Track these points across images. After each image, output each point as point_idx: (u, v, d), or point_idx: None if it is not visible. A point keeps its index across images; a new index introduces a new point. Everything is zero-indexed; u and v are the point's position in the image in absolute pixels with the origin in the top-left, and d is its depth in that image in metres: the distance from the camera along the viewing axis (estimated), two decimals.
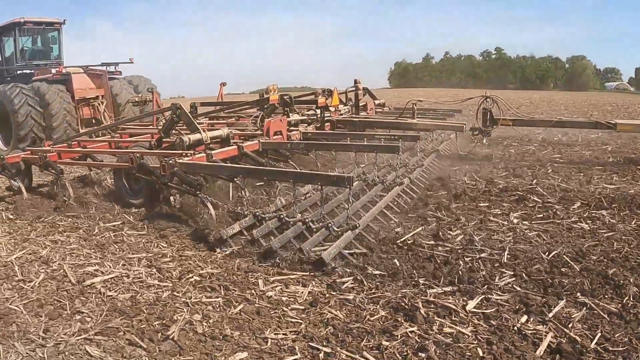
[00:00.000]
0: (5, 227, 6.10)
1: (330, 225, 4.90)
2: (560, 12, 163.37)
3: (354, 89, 11.32)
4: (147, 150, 6.46)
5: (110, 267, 4.62)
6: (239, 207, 5.51)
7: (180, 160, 5.70)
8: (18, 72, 13.54)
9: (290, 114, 8.73)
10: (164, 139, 6.91)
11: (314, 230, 4.95)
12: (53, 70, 12.73)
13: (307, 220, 5.00)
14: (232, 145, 6.85)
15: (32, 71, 13.23)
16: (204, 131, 6.65)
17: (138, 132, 9.14)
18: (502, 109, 8.95)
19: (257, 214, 5.27)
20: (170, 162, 5.63)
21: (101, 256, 4.93)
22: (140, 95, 12.07)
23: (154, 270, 4.52)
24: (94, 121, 12.99)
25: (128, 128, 9.81)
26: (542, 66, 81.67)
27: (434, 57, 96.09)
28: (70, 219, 6.21)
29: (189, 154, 5.97)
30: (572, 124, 9.84)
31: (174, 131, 7.13)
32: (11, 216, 6.56)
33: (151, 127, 9.92)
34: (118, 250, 5.11)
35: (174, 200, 6.05)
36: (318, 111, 9.25)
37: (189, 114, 6.79)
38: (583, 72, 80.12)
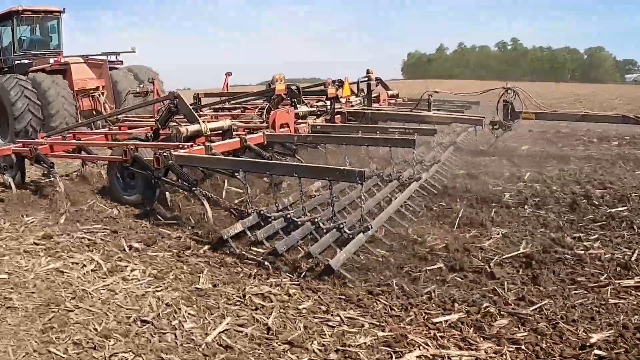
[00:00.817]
0: (140, 265, 4.17)
1: (342, 226, 4.46)
2: (576, 2, 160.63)
3: (366, 79, 10.83)
4: (142, 143, 6.04)
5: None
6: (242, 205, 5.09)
7: (176, 153, 5.27)
8: (16, 62, 13.17)
9: (298, 106, 8.27)
10: (161, 130, 6.48)
11: (324, 231, 4.51)
12: (51, 60, 12.37)
13: (316, 220, 4.55)
14: (234, 137, 6.43)
15: (31, 61, 12.88)
16: (203, 122, 6.22)
17: (137, 124, 8.73)
18: (523, 101, 8.41)
19: (262, 212, 4.83)
20: (165, 154, 5.20)
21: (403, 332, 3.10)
22: (141, 85, 11.69)
23: (503, 345, 2.95)
24: (94, 113, 12.63)
25: (127, 120, 9.42)
26: (559, 58, 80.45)
27: (448, 48, 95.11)
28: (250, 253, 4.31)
29: (186, 147, 5.54)
30: (598, 118, 9.25)
31: (173, 122, 6.71)
32: (137, 244, 4.66)
33: (152, 119, 9.51)
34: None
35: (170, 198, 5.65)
36: (328, 103, 8.78)
37: (188, 104, 6.35)
38: (602, 64, 78.79)
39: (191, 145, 5.59)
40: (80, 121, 12.08)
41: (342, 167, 4.33)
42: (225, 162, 5.12)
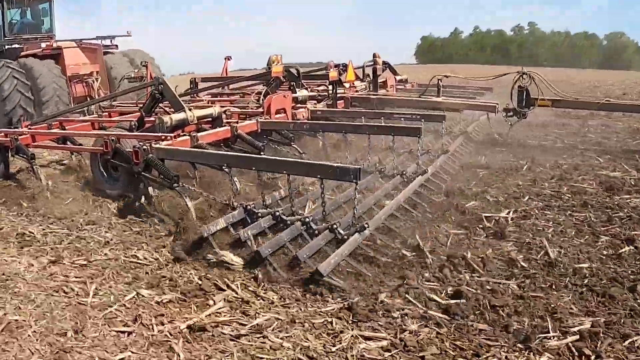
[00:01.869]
0: None
1: (335, 226, 4.09)
2: None
3: (372, 63, 10.39)
4: (124, 133, 5.69)
5: None
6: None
7: (157, 146, 4.91)
8: (6, 47, 12.79)
9: (297, 90, 7.87)
10: (146, 119, 6.13)
11: (316, 232, 4.14)
12: (43, 45, 12.01)
13: (307, 219, 4.18)
14: (224, 125, 6.06)
15: (22, 46, 12.51)
16: (190, 110, 5.85)
17: (129, 111, 8.38)
18: (539, 87, 7.90)
19: (249, 207, 4.47)
20: (144, 147, 4.84)
21: None
22: (136, 70, 11.31)
23: None
24: (88, 99, 12.31)
25: (120, 105, 9.11)
26: (577, 43, 78.59)
27: (463, 32, 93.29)
28: None
29: (169, 138, 5.17)
30: (620, 107, 8.67)
31: (165, 109, 6.35)
32: None
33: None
34: None
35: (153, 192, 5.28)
36: (330, 87, 8.35)
37: (173, 90, 5.98)
38: (624, 50, 76.85)
39: (175, 137, 5.22)
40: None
41: (335, 164, 3.96)
42: (208, 155, 4.76)
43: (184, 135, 5.42)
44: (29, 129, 7.22)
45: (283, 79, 7.79)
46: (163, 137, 5.21)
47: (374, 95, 8.84)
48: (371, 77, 9.90)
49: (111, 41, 13.09)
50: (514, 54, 75.34)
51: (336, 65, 9.72)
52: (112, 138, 5.52)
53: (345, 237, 4.02)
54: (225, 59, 11.92)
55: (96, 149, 5.85)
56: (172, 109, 6.24)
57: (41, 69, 11.32)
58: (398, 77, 11.69)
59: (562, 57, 72.38)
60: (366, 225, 4.02)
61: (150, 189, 5.28)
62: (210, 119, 6.19)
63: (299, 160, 4.39)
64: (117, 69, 12.46)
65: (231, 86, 10.56)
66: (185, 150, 4.89)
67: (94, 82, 12.25)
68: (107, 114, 8.46)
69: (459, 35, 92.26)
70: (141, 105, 7.24)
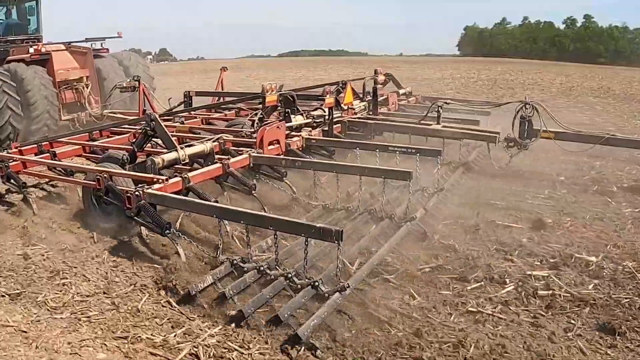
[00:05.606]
0: None
1: (317, 283, 4.71)
2: None
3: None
4: (116, 171, 6.29)
5: None
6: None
7: (149, 191, 5.53)
8: None
9: (292, 116, 8.48)
10: (138, 154, 6.75)
11: (298, 287, 4.77)
12: (31, 50, 12.56)
13: (289, 275, 4.81)
14: (215, 162, 6.68)
15: (7, 49, 13.04)
16: (182, 148, 6.48)
17: (120, 130, 8.96)
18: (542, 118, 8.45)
19: (235, 261, 5.11)
20: (137, 194, 5.46)
21: None
22: (128, 80, 11.87)
23: None
24: (78, 104, 12.91)
25: (112, 115, 9.58)
26: (637, 39, 78.06)
27: (511, 22, 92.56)
28: None
29: (160, 180, 5.79)
30: (627, 143, 8.76)
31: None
32: None
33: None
34: None
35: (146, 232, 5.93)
36: (327, 110, 8.95)
37: (165, 128, 6.60)
38: None
39: (167, 179, 5.83)
40: (62, 115, 12.40)
41: (317, 225, 4.56)
42: (198, 205, 5.37)
43: (176, 176, 6.04)
44: (19, 150, 7.89)
45: (278, 105, 8.43)
46: (155, 179, 5.83)
47: (372, 120, 9.42)
48: (371, 95, 10.48)
49: (102, 44, 13.64)
50: (569, 47, 74.55)
51: (335, 83, 10.36)
52: (105, 175, 6.13)
53: (327, 294, 4.65)
54: (220, 70, 12.51)
55: (89, 183, 6.46)
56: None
57: (30, 76, 11.70)
58: (402, 91, 12.30)
59: (621, 53, 71.58)
60: (346, 286, 4.64)
61: (143, 229, 5.94)
62: (202, 155, 6.81)
63: (284, 218, 4.98)
64: (108, 74, 13.01)
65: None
66: (177, 199, 5.49)
67: (84, 88, 12.84)
68: (97, 132, 9.05)
69: (507, 26, 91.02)
70: (133, 140, 7.77)
